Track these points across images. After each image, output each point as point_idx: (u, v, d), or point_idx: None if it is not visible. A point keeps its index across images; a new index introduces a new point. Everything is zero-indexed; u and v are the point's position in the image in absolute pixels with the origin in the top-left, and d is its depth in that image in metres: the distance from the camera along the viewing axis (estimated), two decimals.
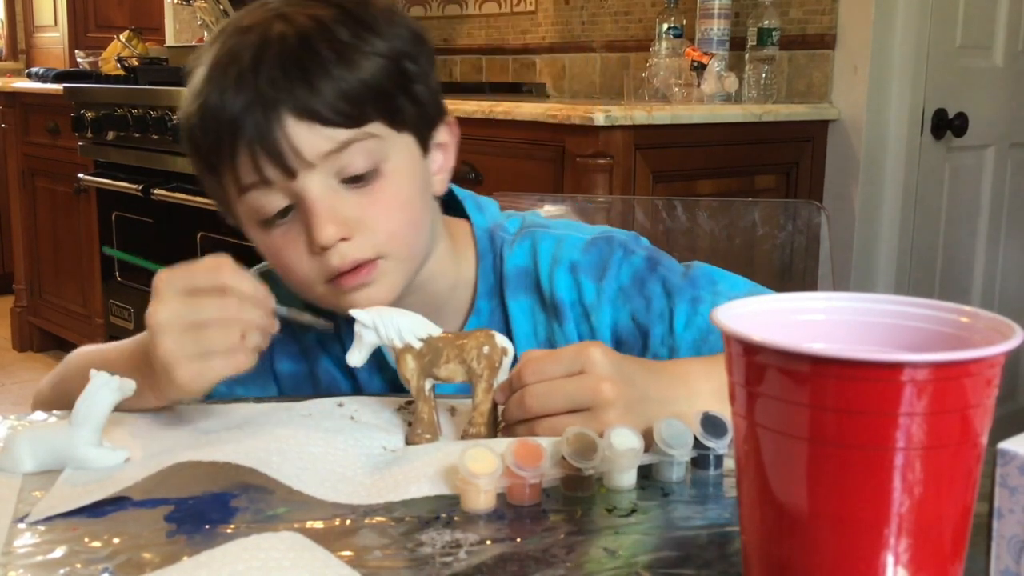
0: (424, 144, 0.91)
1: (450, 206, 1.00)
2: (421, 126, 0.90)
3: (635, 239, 0.98)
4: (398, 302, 0.85)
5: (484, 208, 1.01)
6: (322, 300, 0.87)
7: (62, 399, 0.89)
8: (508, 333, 0.90)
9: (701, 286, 0.93)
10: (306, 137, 0.82)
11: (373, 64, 0.84)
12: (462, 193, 1.01)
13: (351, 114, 0.83)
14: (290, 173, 0.82)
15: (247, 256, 0.87)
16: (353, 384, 0.97)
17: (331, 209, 0.83)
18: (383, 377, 0.96)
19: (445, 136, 0.94)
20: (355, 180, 0.84)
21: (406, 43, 0.88)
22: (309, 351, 0.98)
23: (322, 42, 0.83)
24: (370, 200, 0.85)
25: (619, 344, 0.93)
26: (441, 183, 0.94)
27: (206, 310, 0.76)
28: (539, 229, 0.98)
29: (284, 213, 0.85)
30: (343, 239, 0.83)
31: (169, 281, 0.77)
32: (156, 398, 0.80)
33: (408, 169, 0.88)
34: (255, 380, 0.94)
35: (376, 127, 0.85)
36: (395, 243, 0.86)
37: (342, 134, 0.83)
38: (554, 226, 1.00)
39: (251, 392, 0.94)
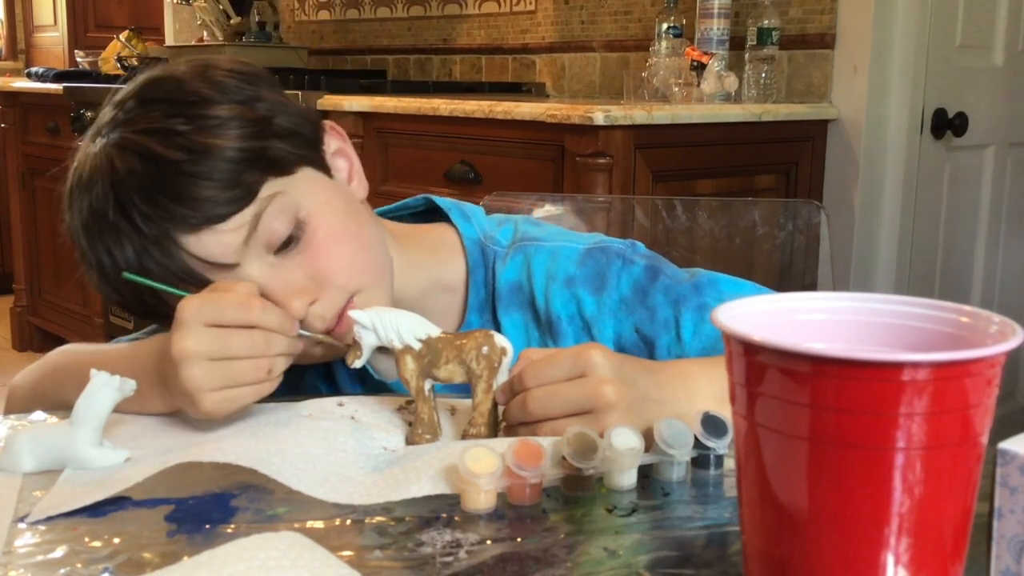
0: (322, 166, 0.86)
1: (429, 213, 0.98)
2: (308, 152, 0.85)
3: (632, 247, 0.95)
4: None
5: (471, 216, 0.98)
6: (325, 355, 0.83)
7: (43, 400, 0.87)
8: None
9: (706, 293, 0.91)
10: (214, 243, 0.78)
11: (227, 135, 0.79)
12: (446, 203, 0.98)
13: (240, 195, 0.78)
14: (227, 268, 0.80)
15: None
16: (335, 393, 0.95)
17: (284, 285, 0.80)
18: (365, 388, 0.94)
19: (335, 142, 0.90)
20: (285, 246, 0.81)
21: (241, 89, 0.82)
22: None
23: (167, 148, 0.77)
24: (310, 254, 0.81)
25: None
26: (359, 187, 0.90)
27: (235, 346, 0.74)
28: (532, 243, 0.95)
29: None
30: (312, 303, 0.81)
31: (196, 312, 0.74)
32: (165, 406, 0.80)
33: (325, 200, 0.84)
34: None
35: (270, 186, 0.80)
36: (359, 276, 0.83)
37: (244, 216, 0.79)
38: (547, 238, 0.97)
39: None
